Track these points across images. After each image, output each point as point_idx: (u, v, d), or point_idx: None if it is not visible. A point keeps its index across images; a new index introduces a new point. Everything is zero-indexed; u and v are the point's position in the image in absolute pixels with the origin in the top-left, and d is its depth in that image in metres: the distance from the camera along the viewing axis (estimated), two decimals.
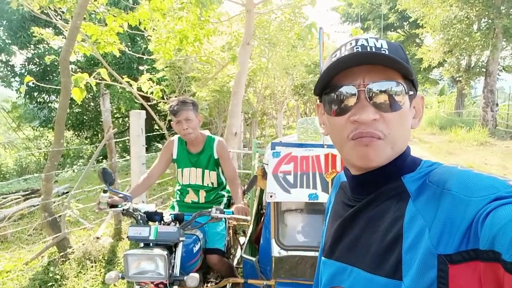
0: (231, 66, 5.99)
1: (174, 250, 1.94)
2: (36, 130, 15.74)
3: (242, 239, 3.17)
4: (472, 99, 26.35)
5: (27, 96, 13.52)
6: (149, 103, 5.23)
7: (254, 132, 10.68)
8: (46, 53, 11.54)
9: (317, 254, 0.89)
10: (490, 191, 0.52)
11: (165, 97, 5.96)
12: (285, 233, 2.14)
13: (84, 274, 3.36)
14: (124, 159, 7.30)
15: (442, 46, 15.97)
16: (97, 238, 3.94)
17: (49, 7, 4.23)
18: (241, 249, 2.83)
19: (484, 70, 15.88)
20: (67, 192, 6.17)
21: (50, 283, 3.18)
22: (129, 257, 1.79)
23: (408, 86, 0.67)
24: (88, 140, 14.88)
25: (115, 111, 14.17)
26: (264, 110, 11.92)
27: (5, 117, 16.78)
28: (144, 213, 2.05)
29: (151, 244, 1.88)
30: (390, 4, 23.02)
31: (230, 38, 6.60)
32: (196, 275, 1.86)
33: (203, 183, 2.52)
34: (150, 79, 5.04)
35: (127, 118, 13.19)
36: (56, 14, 4.52)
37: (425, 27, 16.81)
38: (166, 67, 6.94)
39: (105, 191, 2.06)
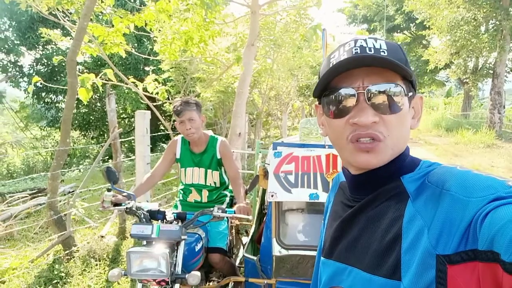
0: (236, 67, 6.03)
1: (176, 248, 1.96)
2: (44, 130, 15.93)
3: (245, 239, 3.19)
4: (479, 101, 26.13)
5: (35, 96, 13.70)
6: (154, 104, 5.28)
7: (258, 133, 10.70)
8: (54, 54, 11.69)
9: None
10: (489, 192, 0.52)
11: (170, 98, 6.02)
12: (286, 233, 2.16)
13: (89, 272, 3.40)
14: (129, 158, 7.35)
15: (449, 47, 15.88)
16: (102, 236, 3.98)
17: (57, 9, 4.30)
18: (243, 248, 2.85)
19: (492, 71, 15.75)
20: (73, 191, 6.24)
21: (55, 281, 3.23)
22: (132, 255, 1.82)
23: (407, 87, 0.67)
24: (94, 140, 15.01)
25: (121, 112, 14.29)
26: (269, 111, 11.94)
27: (13, 117, 16.99)
28: (147, 211, 2.08)
29: (153, 242, 1.91)
30: (397, 6, 22.95)
31: (235, 39, 6.63)
32: (198, 273, 1.88)
33: (205, 182, 2.55)
34: (156, 79, 5.10)
35: (133, 119, 13.29)
36: (64, 15, 4.59)
37: (431, 29, 16.71)
38: (172, 68, 7.00)
39: (109, 190, 2.09)
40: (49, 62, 12.93)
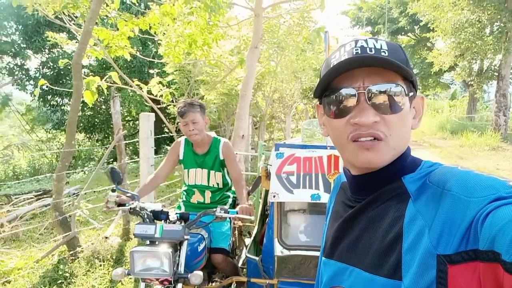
0: (239, 70, 6.06)
1: (179, 248, 1.99)
2: (49, 133, 16.05)
3: (248, 241, 3.20)
4: (484, 104, 25.96)
5: (41, 99, 13.82)
6: (159, 106, 5.32)
7: (262, 135, 10.72)
8: (60, 57, 11.81)
9: (319, 253, 0.90)
10: (490, 192, 0.52)
11: (174, 100, 6.06)
12: (287, 233, 2.17)
13: (93, 272, 3.43)
14: (133, 160, 7.41)
15: (454, 49, 15.81)
16: (106, 237, 4.02)
17: (63, 13, 4.35)
18: (246, 249, 2.87)
19: (497, 74, 15.67)
20: (77, 193, 6.29)
21: (60, 281, 3.26)
22: (135, 254, 1.84)
23: (408, 87, 0.67)
24: (99, 142, 15.12)
25: (125, 114, 14.39)
26: (272, 114, 11.96)
27: (19, 120, 17.14)
28: (151, 211, 2.10)
29: (156, 241, 1.93)
30: (401, 8, 22.92)
31: (238, 42, 6.67)
32: (200, 273, 1.90)
33: (208, 183, 2.57)
34: (160, 82, 5.14)
35: (137, 122, 13.34)
36: (70, 19, 4.65)
37: (436, 31, 16.66)
38: (176, 70, 7.05)
39: (113, 190, 2.12)
40: (55, 66, 13.06)
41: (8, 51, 13.13)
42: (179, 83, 7.45)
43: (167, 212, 2.13)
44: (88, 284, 3.25)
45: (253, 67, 5.17)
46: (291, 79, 10.23)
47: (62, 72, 13.04)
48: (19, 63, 13.86)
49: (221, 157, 2.53)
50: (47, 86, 4.11)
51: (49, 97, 13.88)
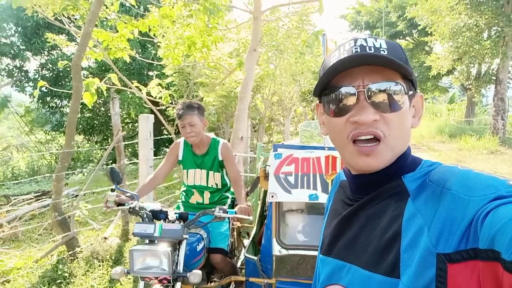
0: (238, 72, 6.09)
1: (178, 247, 2.00)
2: (48, 134, 16.04)
3: (246, 242, 3.22)
4: (483, 107, 26.05)
5: (40, 100, 13.83)
6: (158, 108, 5.34)
7: (261, 138, 10.75)
8: (59, 59, 11.81)
9: (317, 253, 0.90)
10: (490, 191, 0.52)
11: (173, 102, 6.08)
12: (286, 233, 2.20)
13: (92, 272, 3.44)
14: (132, 162, 7.42)
15: (451, 53, 15.89)
16: (105, 238, 4.02)
17: (62, 14, 4.38)
18: (245, 249, 2.88)
19: (494, 78, 15.75)
20: (77, 195, 6.29)
21: (59, 281, 3.27)
22: (135, 253, 1.86)
23: (408, 85, 0.67)
24: (98, 144, 15.11)
25: (125, 116, 14.39)
26: (271, 116, 11.99)
27: (18, 121, 17.12)
28: (150, 211, 2.12)
29: (156, 240, 1.95)
30: (399, 12, 23.05)
31: (237, 45, 6.71)
32: (199, 272, 1.92)
33: (207, 184, 2.59)
34: (159, 84, 5.16)
35: (136, 124, 13.38)
36: (70, 21, 4.67)
37: (434, 35, 16.74)
38: (175, 72, 7.08)
39: (112, 190, 2.13)
40: (54, 67, 13.08)
41: (7, 53, 13.15)
42: (178, 85, 7.48)
43: (166, 212, 2.14)
44: (87, 284, 3.26)
45: (252, 70, 5.20)
46: (290, 82, 10.27)
47: (61, 74, 13.06)
48: (18, 65, 13.88)
49: (220, 158, 2.55)
50: (46, 88, 4.12)
51: (48, 98, 13.89)
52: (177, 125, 2.55)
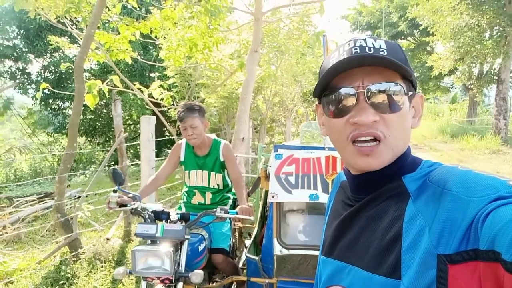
0: (239, 73, 6.11)
1: (180, 247, 2.02)
2: (51, 136, 16.09)
3: (248, 242, 3.23)
4: (485, 107, 25.97)
5: (43, 102, 13.88)
6: (159, 109, 5.36)
7: (262, 138, 10.77)
8: (62, 61, 11.87)
9: (318, 253, 0.90)
10: (490, 191, 0.52)
11: (175, 104, 6.10)
12: (286, 233, 2.21)
13: (94, 273, 3.46)
14: (134, 163, 7.45)
15: (453, 53, 15.85)
16: (107, 239, 4.05)
17: (65, 17, 4.40)
18: (246, 250, 2.90)
19: (496, 78, 15.71)
20: (79, 196, 6.32)
21: (62, 282, 3.29)
22: (137, 253, 1.88)
23: (407, 86, 0.67)
24: (100, 146, 15.16)
25: (126, 118, 14.44)
26: (273, 117, 12.01)
27: (21, 123, 17.19)
28: (152, 212, 2.14)
29: (158, 241, 1.97)
30: (400, 12, 23.02)
31: (239, 46, 6.72)
32: (201, 272, 1.93)
33: (209, 185, 2.60)
34: (161, 85, 5.18)
35: (138, 125, 13.38)
36: (72, 23, 4.70)
37: (435, 35, 16.70)
38: (177, 74, 7.10)
39: (115, 191, 2.15)
40: (56, 69, 13.13)
41: (10, 55, 13.20)
42: (180, 86, 7.50)
43: (168, 212, 2.16)
44: (89, 285, 3.28)
45: (253, 71, 5.22)
46: (291, 82, 10.28)
47: (63, 76, 13.10)
48: (21, 67, 13.93)
49: (222, 159, 2.56)
50: (48, 90, 4.14)
51: (50, 100, 13.94)
52: (178, 126, 2.56)
